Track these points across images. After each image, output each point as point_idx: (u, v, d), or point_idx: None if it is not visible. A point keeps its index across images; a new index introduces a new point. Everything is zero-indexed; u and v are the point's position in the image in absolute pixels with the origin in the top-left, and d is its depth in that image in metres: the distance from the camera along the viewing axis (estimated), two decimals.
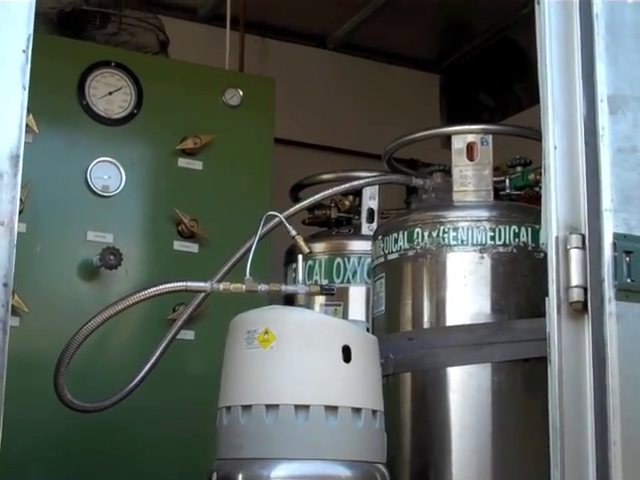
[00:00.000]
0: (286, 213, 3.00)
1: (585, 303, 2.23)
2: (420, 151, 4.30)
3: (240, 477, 2.41)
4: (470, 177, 3.05)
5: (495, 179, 3.10)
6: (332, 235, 3.92)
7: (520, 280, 2.90)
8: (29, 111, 3.12)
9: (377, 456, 2.48)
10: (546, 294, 2.26)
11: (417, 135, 3.29)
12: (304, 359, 2.43)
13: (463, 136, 3.08)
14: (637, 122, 2.35)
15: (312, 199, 3.22)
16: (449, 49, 5.81)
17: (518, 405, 2.82)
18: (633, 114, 2.35)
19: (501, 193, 3.15)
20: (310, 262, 3.78)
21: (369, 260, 3.42)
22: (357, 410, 2.43)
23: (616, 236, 2.26)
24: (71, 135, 3.67)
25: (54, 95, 3.59)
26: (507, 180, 3.18)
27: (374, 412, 2.47)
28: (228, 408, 2.47)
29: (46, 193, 3.56)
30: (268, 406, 2.39)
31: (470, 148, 3.07)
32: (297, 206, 3.19)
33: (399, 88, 5.73)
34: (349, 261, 3.76)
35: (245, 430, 2.42)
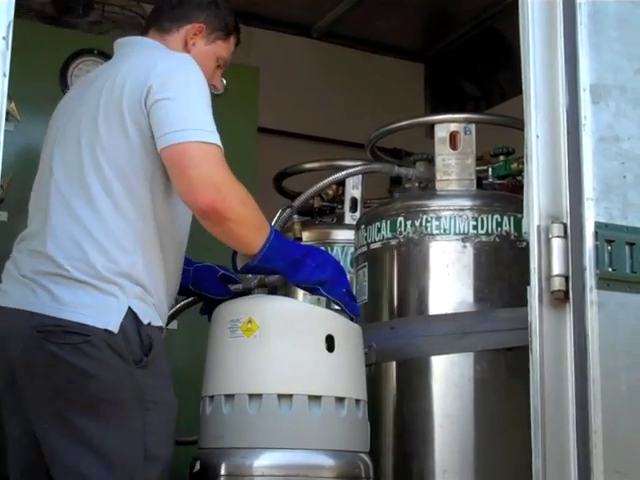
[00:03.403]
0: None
1: (567, 292, 2.23)
2: (404, 140, 4.31)
3: (223, 466, 2.42)
4: (453, 166, 3.05)
5: (478, 168, 3.10)
6: (315, 224, 3.91)
7: (502, 269, 2.90)
8: (11, 99, 3.11)
9: (360, 445, 2.48)
10: (528, 283, 2.27)
11: (400, 124, 3.29)
12: (287, 348, 2.43)
13: (446, 125, 3.08)
14: (619, 111, 2.35)
15: (308, 193, 3.17)
16: (433, 38, 5.81)
17: (500, 394, 2.83)
18: (615, 103, 2.35)
19: (484, 182, 3.16)
20: None
21: (352, 249, 3.42)
22: (340, 400, 2.43)
23: (598, 225, 2.26)
24: None
25: (36, 83, 3.58)
26: (490, 169, 3.19)
27: (357, 402, 2.47)
28: (211, 397, 2.47)
29: (28, 181, 3.55)
30: (251, 395, 2.39)
31: (453, 137, 3.07)
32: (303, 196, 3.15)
33: (383, 77, 5.73)
34: (332, 250, 3.75)
35: (228, 419, 2.42)
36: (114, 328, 2.36)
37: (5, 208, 3.31)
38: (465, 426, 2.82)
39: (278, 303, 2.55)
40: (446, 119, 3.11)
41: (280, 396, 2.39)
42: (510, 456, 2.73)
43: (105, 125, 2.48)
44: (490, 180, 3.17)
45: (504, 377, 2.82)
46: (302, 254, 2.55)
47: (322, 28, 5.59)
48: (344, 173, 3.24)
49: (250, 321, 2.44)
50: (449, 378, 2.85)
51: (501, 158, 3.18)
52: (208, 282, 2.79)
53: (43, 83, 3.64)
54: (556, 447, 2.20)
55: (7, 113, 1.99)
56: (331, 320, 2.50)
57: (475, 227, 2.92)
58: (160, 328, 2.49)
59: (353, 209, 3.79)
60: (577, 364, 2.22)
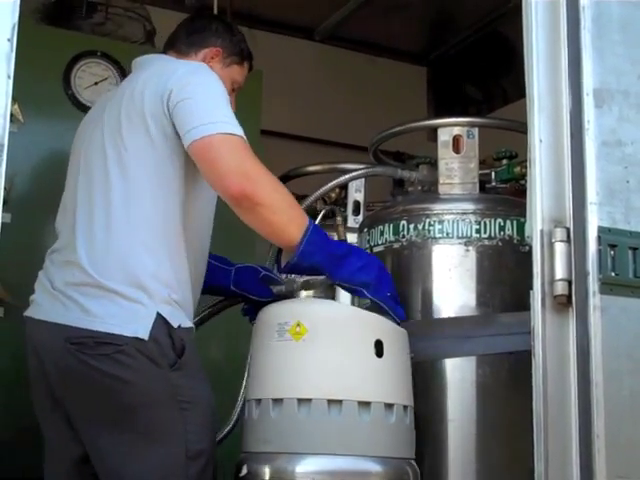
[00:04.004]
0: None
1: (569, 296, 2.23)
2: (407, 144, 4.30)
3: (272, 471, 2.40)
4: (456, 170, 3.05)
5: (481, 172, 3.10)
6: None
7: (505, 273, 2.90)
8: (14, 100, 3.11)
9: (408, 452, 2.47)
10: (531, 287, 2.27)
11: (403, 127, 3.29)
12: (337, 353, 2.41)
13: (449, 129, 3.08)
14: (622, 116, 2.35)
15: (312, 197, 3.17)
16: (436, 42, 5.82)
17: (503, 398, 2.82)
18: (618, 107, 2.35)
19: (487, 186, 3.15)
20: None
21: None
22: (389, 406, 2.41)
23: (601, 229, 2.26)
24: (56, 125, 3.65)
25: (40, 84, 3.58)
26: (493, 173, 3.18)
27: (405, 408, 2.45)
28: (258, 401, 2.45)
29: (31, 183, 3.55)
30: (300, 400, 2.38)
31: (456, 141, 3.07)
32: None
33: (386, 80, 5.73)
34: None
35: (276, 424, 2.40)
36: (144, 335, 2.40)
37: (9, 209, 3.31)
38: (467, 430, 2.81)
39: (327, 307, 2.53)
40: (449, 122, 3.11)
41: (330, 401, 2.37)
42: (512, 460, 2.73)
43: (128, 132, 2.54)
44: (493, 184, 3.17)
45: (506, 381, 2.82)
46: (345, 252, 2.54)
47: (325, 31, 5.60)
48: (347, 177, 3.24)
49: (299, 325, 2.42)
50: (451, 382, 2.84)
51: (504, 162, 3.18)
52: (250, 283, 2.81)
53: (46, 85, 3.64)
54: (558, 451, 2.20)
55: (11, 115, 1.99)
56: (380, 324, 2.48)
57: (478, 231, 2.91)
58: (190, 329, 2.52)
59: (356, 212, 3.78)
60: (580, 368, 2.21)
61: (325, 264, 2.50)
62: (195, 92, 2.52)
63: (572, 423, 2.20)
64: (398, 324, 2.54)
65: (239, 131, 2.49)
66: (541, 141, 2.32)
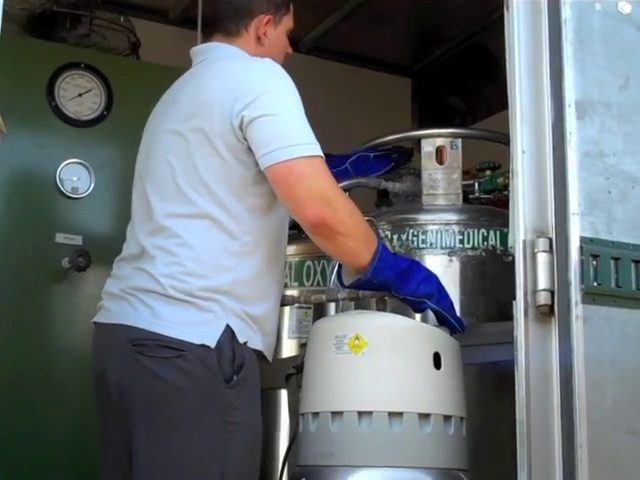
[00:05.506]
0: None
1: (552, 307, 2.23)
2: None
3: None
4: (439, 180, 3.06)
5: (464, 183, 3.11)
6: (302, 237, 3.91)
7: (488, 283, 2.91)
8: None
9: (463, 463, 2.46)
10: (514, 297, 2.27)
11: (387, 138, 3.31)
12: (397, 366, 2.39)
13: (432, 140, 3.10)
14: (604, 127, 2.36)
15: None
16: (420, 53, 5.82)
17: (486, 408, 2.83)
18: (600, 119, 2.36)
19: (470, 197, 3.17)
20: None
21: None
22: (447, 417, 2.40)
23: (583, 240, 2.26)
24: (40, 136, 3.66)
25: (23, 96, 3.58)
26: (476, 184, 3.20)
27: (461, 419, 2.45)
28: (315, 414, 2.42)
29: (15, 195, 3.55)
30: (361, 413, 2.35)
31: (440, 152, 3.09)
32: None
33: (371, 91, 5.74)
34: (319, 264, 3.75)
35: (337, 437, 2.37)
36: (211, 343, 2.34)
37: None
38: None
39: (385, 319, 2.49)
40: (432, 134, 3.12)
41: (391, 414, 2.35)
42: (496, 469, 2.73)
43: (197, 147, 2.43)
44: (476, 194, 3.19)
45: (490, 391, 2.82)
46: (408, 265, 2.50)
47: (309, 42, 5.60)
48: None
49: (357, 337, 2.39)
50: None
51: (487, 173, 3.19)
52: None
53: (30, 96, 3.64)
54: (541, 460, 2.20)
55: None
56: (437, 336, 2.46)
57: (461, 241, 2.92)
58: (256, 351, 2.45)
59: None
60: (562, 378, 2.22)
61: (393, 279, 2.47)
62: (270, 107, 2.41)
63: (555, 432, 2.20)
64: (455, 333, 2.53)
65: (318, 151, 2.40)
66: (523, 152, 2.33)
